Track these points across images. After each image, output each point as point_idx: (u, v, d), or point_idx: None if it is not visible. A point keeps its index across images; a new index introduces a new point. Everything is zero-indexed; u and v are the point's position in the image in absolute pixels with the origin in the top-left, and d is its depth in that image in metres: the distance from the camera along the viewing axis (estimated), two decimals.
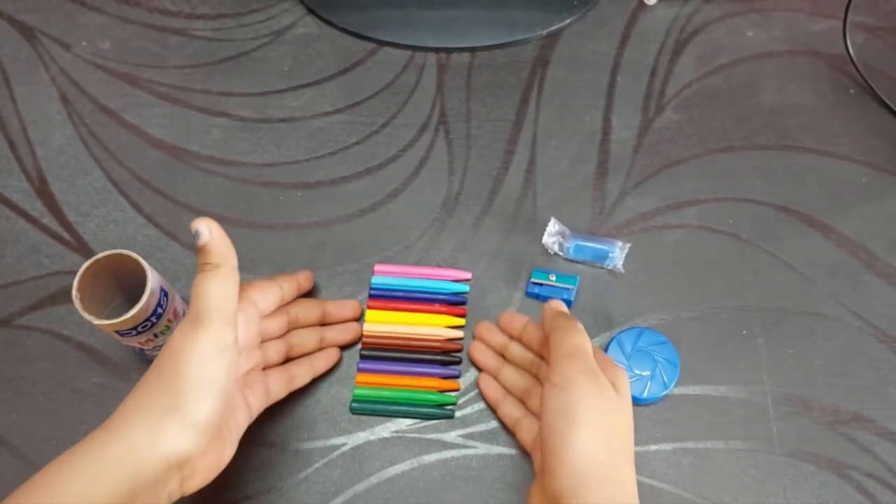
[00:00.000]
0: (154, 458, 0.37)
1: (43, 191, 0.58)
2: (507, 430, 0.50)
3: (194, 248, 0.41)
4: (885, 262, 0.55)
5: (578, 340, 0.43)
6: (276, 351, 0.49)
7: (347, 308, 0.52)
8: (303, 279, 0.52)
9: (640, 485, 0.48)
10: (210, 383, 0.39)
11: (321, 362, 0.51)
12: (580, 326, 0.45)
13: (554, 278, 0.53)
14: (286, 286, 0.49)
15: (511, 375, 0.50)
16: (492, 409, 0.50)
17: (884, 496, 0.48)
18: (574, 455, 0.39)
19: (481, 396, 0.51)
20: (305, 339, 0.50)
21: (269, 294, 0.47)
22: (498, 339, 0.51)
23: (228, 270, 0.41)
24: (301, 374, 0.49)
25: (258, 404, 0.46)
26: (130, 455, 0.37)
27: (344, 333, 0.52)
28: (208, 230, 0.40)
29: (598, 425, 0.40)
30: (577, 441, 0.39)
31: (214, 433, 0.39)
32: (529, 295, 0.54)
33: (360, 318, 0.53)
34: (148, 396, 0.38)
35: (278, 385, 0.48)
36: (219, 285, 0.40)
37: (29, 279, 0.54)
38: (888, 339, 0.53)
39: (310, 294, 0.54)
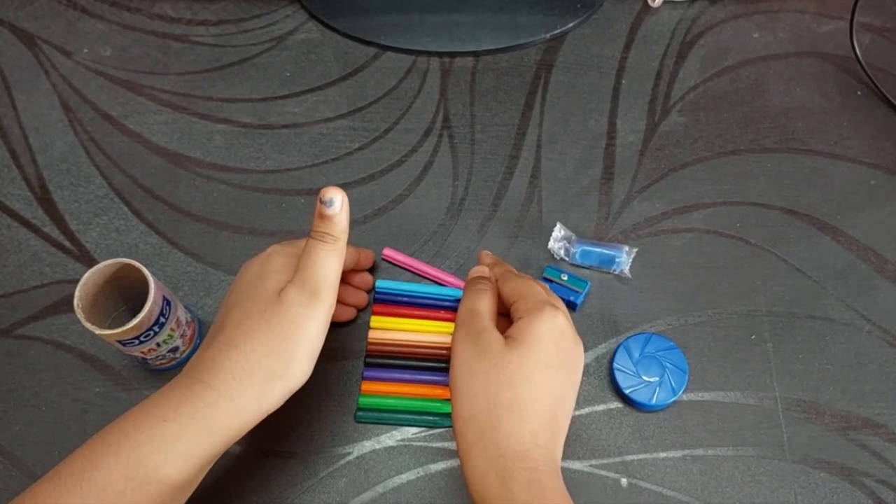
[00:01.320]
0: (256, 417, 0.39)
1: (44, 199, 0.57)
2: None
3: (317, 214, 0.41)
4: (894, 265, 0.55)
5: (470, 305, 0.44)
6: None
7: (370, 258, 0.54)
8: (363, 258, 0.53)
9: (649, 492, 0.48)
10: (315, 351, 0.41)
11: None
12: (480, 286, 0.46)
13: (566, 278, 0.53)
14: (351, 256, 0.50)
15: None
16: None
17: None
18: (458, 425, 0.41)
19: None
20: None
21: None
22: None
23: (344, 245, 0.42)
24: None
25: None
26: (238, 416, 0.39)
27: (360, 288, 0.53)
28: (341, 202, 0.40)
29: (473, 391, 0.40)
30: (456, 413, 0.41)
31: None
32: None
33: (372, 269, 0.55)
34: (256, 359, 0.39)
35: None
36: (337, 260, 0.41)
37: (31, 288, 0.54)
38: None
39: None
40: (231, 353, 0.39)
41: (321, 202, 0.40)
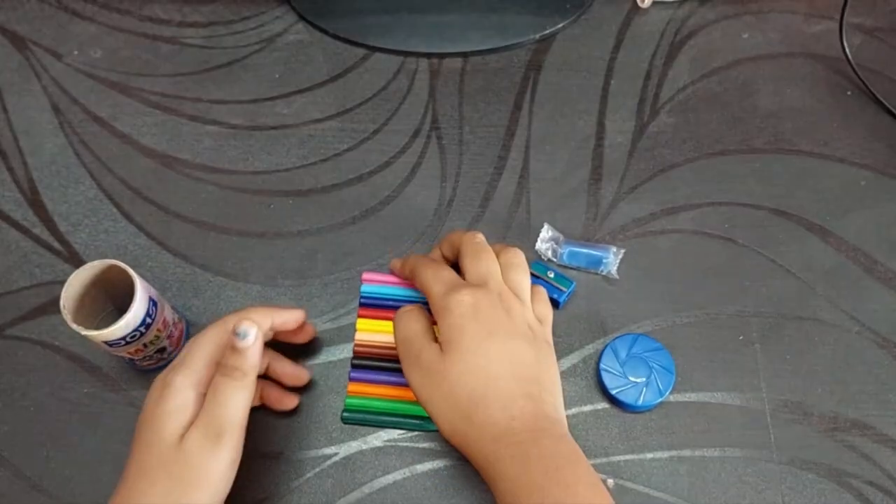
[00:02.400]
0: None
1: (34, 200, 0.58)
2: None
3: (229, 345, 0.40)
4: (884, 267, 0.55)
5: (400, 335, 0.44)
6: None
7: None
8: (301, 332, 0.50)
9: (635, 493, 0.47)
10: (223, 492, 0.40)
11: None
12: (401, 312, 0.45)
13: (552, 275, 0.53)
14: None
15: None
16: None
17: None
18: (451, 443, 0.41)
19: None
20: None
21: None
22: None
23: (254, 380, 0.41)
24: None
25: None
26: None
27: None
28: (255, 335, 0.40)
29: (441, 409, 0.40)
30: (442, 433, 0.41)
31: None
32: None
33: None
34: (162, 496, 0.38)
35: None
36: (246, 397, 0.40)
37: (20, 289, 0.54)
38: (888, 344, 0.52)
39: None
40: (138, 484, 0.38)
41: (234, 333, 0.39)
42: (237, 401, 0.39)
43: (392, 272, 0.52)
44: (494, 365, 0.40)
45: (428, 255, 0.51)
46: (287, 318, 0.47)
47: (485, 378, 0.40)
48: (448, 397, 0.40)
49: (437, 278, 0.44)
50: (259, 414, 0.49)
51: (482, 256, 0.45)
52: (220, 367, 0.40)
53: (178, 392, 0.40)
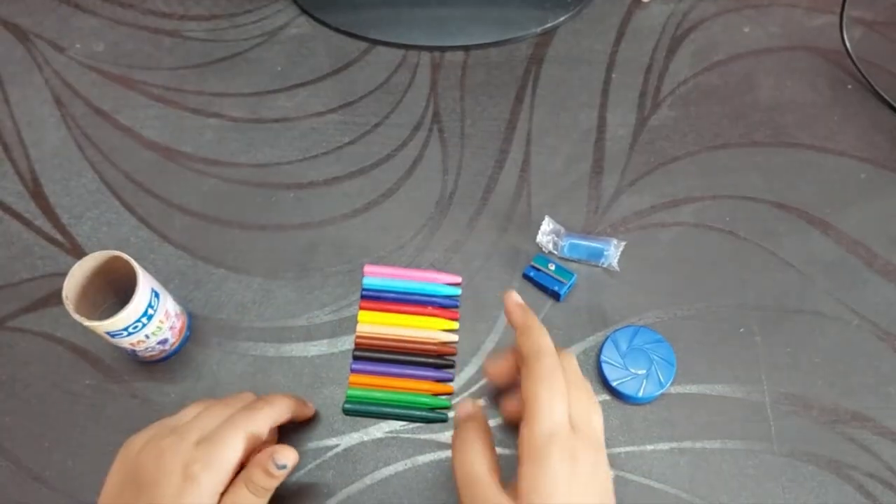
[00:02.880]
0: None
1: (37, 193, 0.58)
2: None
3: (262, 468, 0.40)
4: (884, 260, 0.55)
5: (465, 468, 0.38)
6: None
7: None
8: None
9: (636, 485, 0.48)
10: None
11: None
12: (470, 435, 0.39)
13: (553, 268, 0.53)
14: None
15: None
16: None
17: (885, 496, 0.47)
18: None
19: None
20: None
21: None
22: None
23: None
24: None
25: None
26: None
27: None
28: (293, 464, 0.41)
29: None
30: None
31: None
32: (525, 277, 0.54)
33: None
34: None
35: None
36: None
37: (22, 281, 0.54)
38: (888, 337, 0.52)
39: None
40: None
41: (273, 460, 0.39)
42: None
43: (506, 306, 0.44)
44: None
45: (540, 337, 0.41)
46: (303, 415, 0.48)
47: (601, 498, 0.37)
48: None
49: (552, 402, 0.37)
50: None
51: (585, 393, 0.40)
52: (248, 481, 0.40)
53: (202, 495, 0.38)
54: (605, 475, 0.38)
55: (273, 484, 0.40)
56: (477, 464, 0.38)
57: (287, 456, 0.40)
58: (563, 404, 0.37)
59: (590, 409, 0.39)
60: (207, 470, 0.38)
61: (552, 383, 0.38)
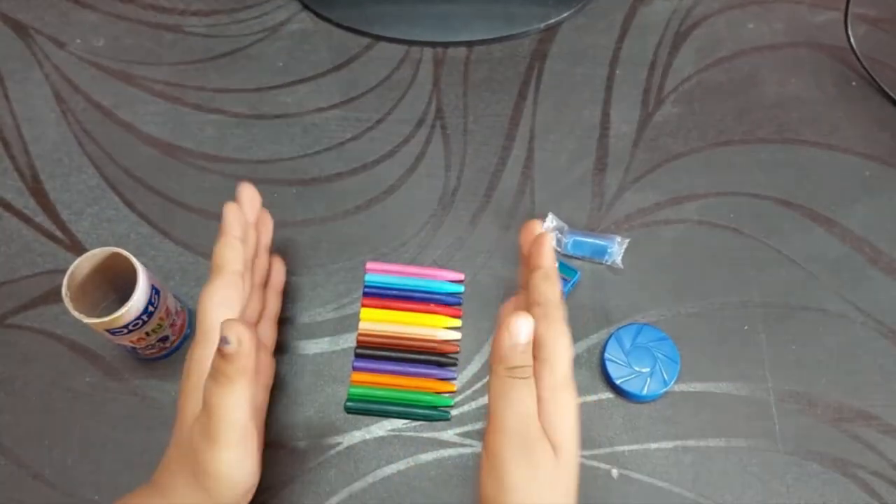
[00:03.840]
0: None
1: (36, 189, 0.57)
2: None
3: (217, 349, 0.37)
4: (889, 257, 0.55)
5: (519, 408, 0.37)
6: (253, 309, 0.48)
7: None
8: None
9: (640, 483, 0.47)
10: (239, 479, 0.39)
11: (278, 279, 0.51)
12: (525, 374, 0.38)
13: (556, 265, 0.53)
14: (247, 256, 0.46)
15: None
16: None
17: (890, 495, 0.47)
18: None
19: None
20: (258, 270, 0.49)
21: (241, 295, 0.44)
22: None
23: (247, 381, 0.38)
24: (273, 305, 0.50)
25: (270, 379, 0.47)
26: None
27: (263, 234, 0.49)
28: (237, 341, 0.36)
29: None
30: None
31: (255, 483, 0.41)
32: None
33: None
34: (185, 487, 0.39)
35: (271, 338, 0.49)
36: (235, 401, 0.37)
37: (22, 278, 0.54)
38: (893, 334, 0.52)
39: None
40: (171, 475, 0.40)
41: (221, 338, 0.36)
42: (226, 406, 0.37)
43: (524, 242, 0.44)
44: (571, 495, 0.38)
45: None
46: (251, 207, 0.47)
47: (566, 494, 0.38)
48: (549, 499, 0.37)
49: (568, 349, 0.39)
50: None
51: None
52: (210, 370, 0.38)
53: (194, 384, 0.40)
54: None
55: (229, 367, 0.36)
56: (531, 406, 0.37)
57: (229, 329, 0.35)
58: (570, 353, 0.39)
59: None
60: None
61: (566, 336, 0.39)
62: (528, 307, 0.40)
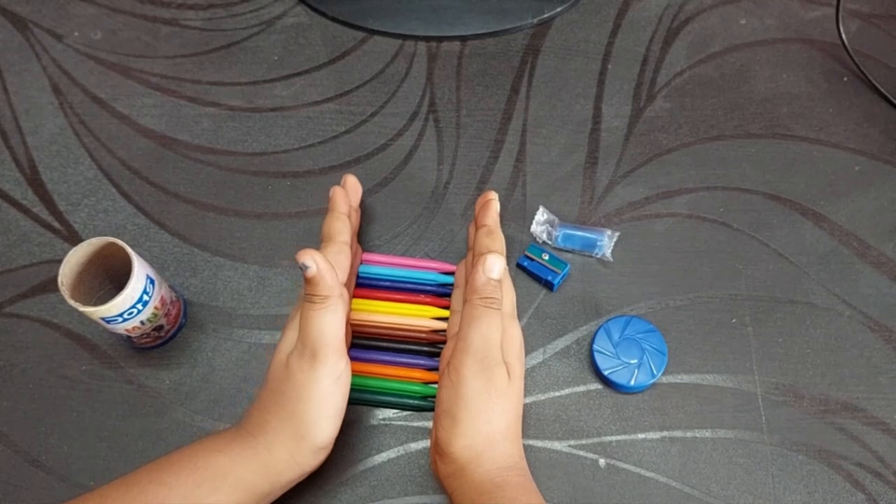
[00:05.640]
0: (297, 471, 0.42)
1: (34, 180, 0.58)
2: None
3: (302, 278, 0.42)
4: (877, 251, 0.55)
5: (485, 332, 0.42)
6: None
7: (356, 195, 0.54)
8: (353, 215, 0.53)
9: (627, 473, 0.48)
10: (332, 412, 0.42)
11: (357, 262, 0.53)
12: (495, 306, 0.43)
13: (546, 258, 0.53)
14: (348, 241, 0.50)
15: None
16: None
17: (874, 486, 0.48)
18: (452, 449, 0.42)
19: None
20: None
21: (346, 263, 0.48)
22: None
23: (336, 301, 0.42)
24: (352, 286, 0.52)
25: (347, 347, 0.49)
26: (277, 467, 0.41)
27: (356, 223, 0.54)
28: (314, 262, 0.41)
29: (476, 425, 0.42)
30: (456, 439, 0.42)
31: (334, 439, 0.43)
32: (519, 266, 0.54)
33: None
34: (280, 422, 0.41)
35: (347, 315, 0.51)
36: (330, 318, 0.41)
37: (19, 268, 0.55)
38: (879, 328, 0.52)
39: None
40: (263, 415, 0.42)
41: (299, 265, 0.41)
42: (322, 323, 0.41)
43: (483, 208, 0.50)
44: (519, 408, 0.44)
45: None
46: (354, 193, 0.53)
47: (517, 419, 0.44)
48: (492, 419, 0.42)
49: (511, 291, 0.47)
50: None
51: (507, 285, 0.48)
52: (305, 294, 0.42)
53: (291, 331, 0.44)
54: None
55: (317, 288, 0.41)
56: (496, 333, 0.43)
57: (302, 256, 0.41)
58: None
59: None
60: (285, 335, 0.44)
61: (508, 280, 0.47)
62: (475, 260, 0.45)
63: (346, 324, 0.48)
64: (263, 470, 0.41)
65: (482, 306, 0.43)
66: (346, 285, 0.50)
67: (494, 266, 0.43)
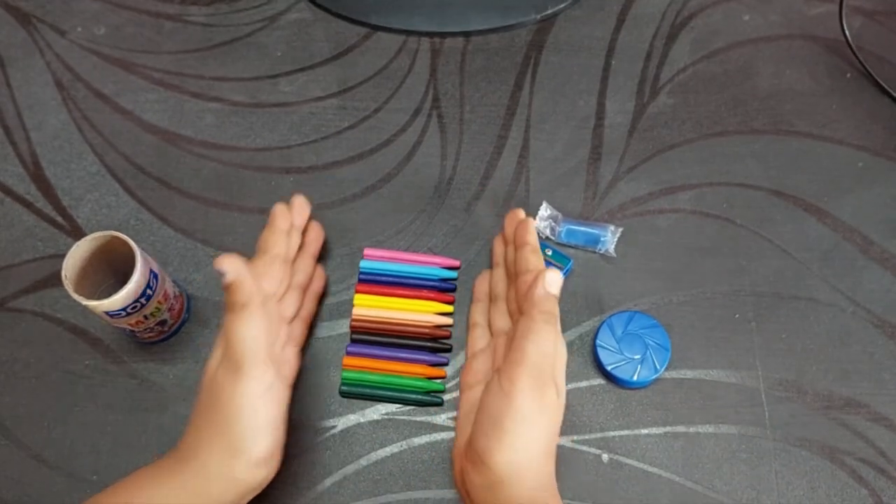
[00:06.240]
0: (233, 490, 0.40)
1: (37, 175, 0.58)
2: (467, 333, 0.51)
3: (221, 286, 0.41)
4: (880, 247, 0.55)
5: (546, 348, 0.41)
6: (289, 305, 0.50)
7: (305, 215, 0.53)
8: (313, 237, 0.53)
9: (630, 468, 0.48)
10: (263, 424, 0.40)
11: (318, 285, 0.52)
12: (554, 321, 0.42)
13: (549, 253, 0.53)
14: (288, 250, 0.50)
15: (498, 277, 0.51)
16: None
17: (877, 481, 0.48)
18: (496, 462, 0.39)
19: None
20: (301, 272, 0.51)
21: (277, 276, 0.48)
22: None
23: (256, 307, 0.41)
24: (309, 307, 0.52)
25: (293, 373, 0.48)
26: (210, 491, 0.40)
27: (312, 243, 0.53)
28: (233, 268, 0.40)
29: (528, 437, 0.40)
30: (501, 451, 0.39)
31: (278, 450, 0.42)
32: None
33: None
34: (211, 441, 0.40)
35: (301, 336, 0.51)
36: (250, 326, 0.40)
37: (23, 262, 0.55)
38: (883, 323, 0.52)
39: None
40: (196, 435, 0.41)
41: (217, 272, 0.40)
42: (243, 332, 0.40)
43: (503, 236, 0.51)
44: (558, 429, 0.42)
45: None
46: (299, 213, 0.52)
47: (556, 437, 0.42)
48: (540, 438, 0.40)
49: (554, 306, 0.43)
50: None
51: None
52: (225, 307, 0.41)
53: (219, 344, 0.43)
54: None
55: (236, 295, 0.40)
56: (557, 348, 0.42)
57: (222, 262, 0.40)
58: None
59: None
60: (217, 344, 0.43)
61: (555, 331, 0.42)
62: (516, 277, 0.45)
63: (295, 349, 0.49)
64: (196, 499, 0.40)
65: (542, 321, 0.41)
66: (300, 305, 0.50)
67: (555, 282, 0.42)
